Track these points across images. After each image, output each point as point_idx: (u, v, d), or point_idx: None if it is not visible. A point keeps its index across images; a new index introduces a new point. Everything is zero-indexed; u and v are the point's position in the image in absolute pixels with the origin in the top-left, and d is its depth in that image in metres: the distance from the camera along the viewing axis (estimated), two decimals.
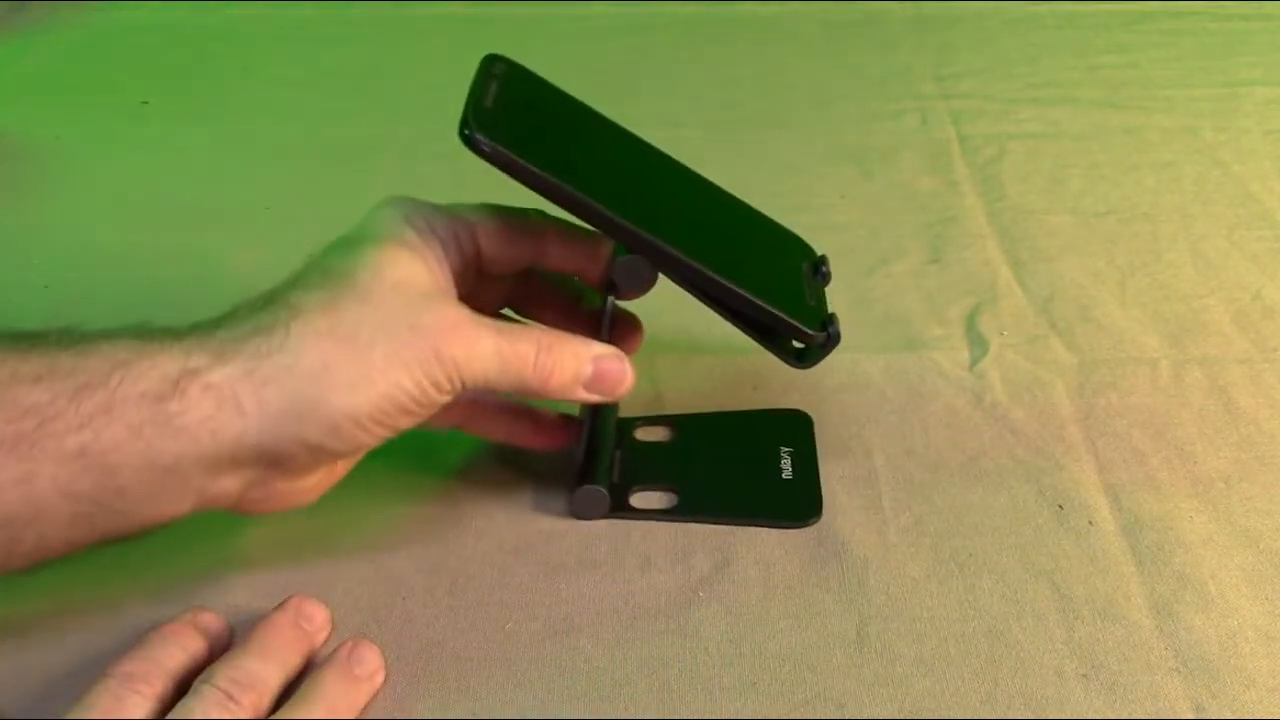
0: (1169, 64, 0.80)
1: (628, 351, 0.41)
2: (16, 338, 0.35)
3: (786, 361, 0.43)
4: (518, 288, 0.44)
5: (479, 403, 0.44)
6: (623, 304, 0.43)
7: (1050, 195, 0.65)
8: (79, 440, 0.33)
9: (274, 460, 0.36)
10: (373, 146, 0.70)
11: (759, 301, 0.40)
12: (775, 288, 0.42)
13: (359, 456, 0.39)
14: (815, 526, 0.43)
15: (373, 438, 0.37)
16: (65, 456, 0.33)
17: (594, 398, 0.40)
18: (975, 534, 0.43)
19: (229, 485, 0.36)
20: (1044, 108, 0.74)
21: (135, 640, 0.36)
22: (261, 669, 0.35)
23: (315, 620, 0.38)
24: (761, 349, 0.43)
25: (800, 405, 0.49)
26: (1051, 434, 0.48)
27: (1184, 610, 0.40)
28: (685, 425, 0.48)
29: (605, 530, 0.43)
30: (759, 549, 0.42)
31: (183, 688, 0.34)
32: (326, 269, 0.37)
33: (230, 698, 0.33)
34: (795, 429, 0.48)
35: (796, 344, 0.43)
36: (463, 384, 0.37)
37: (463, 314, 0.37)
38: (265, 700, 0.35)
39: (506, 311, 0.45)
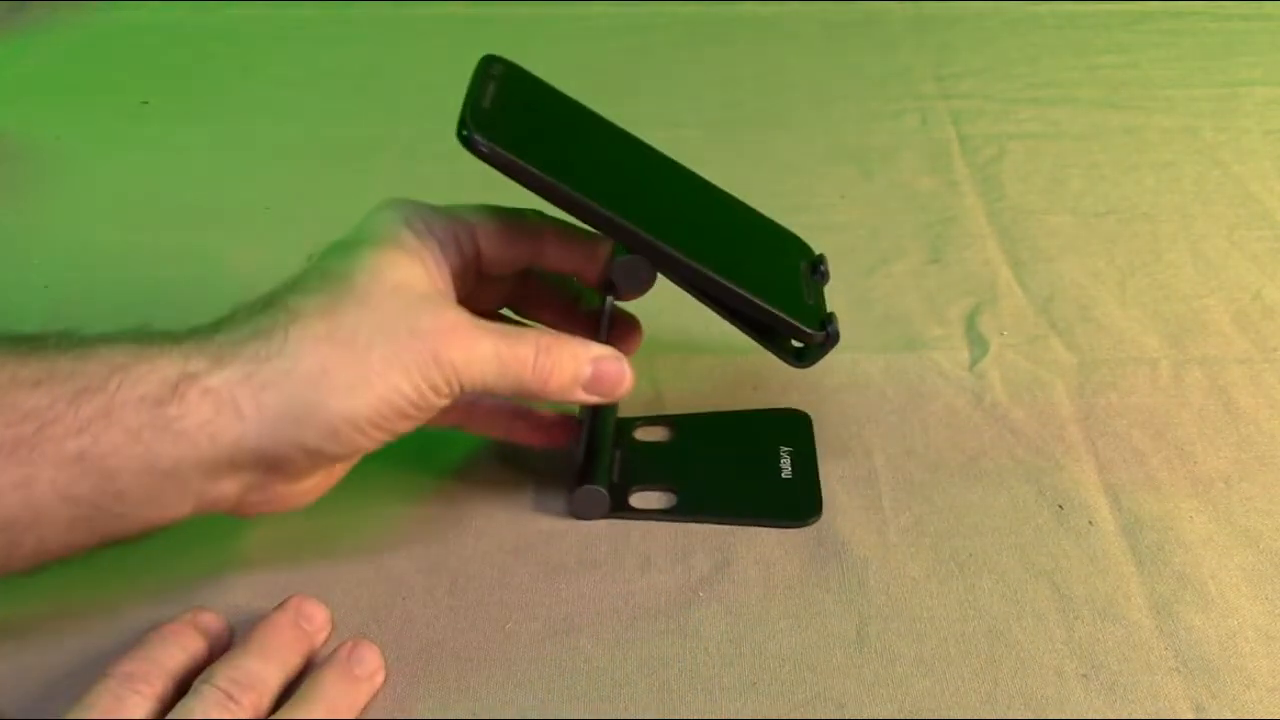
0: (1169, 64, 0.80)
1: (627, 352, 0.41)
2: (15, 341, 0.35)
3: (786, 361, 0.43)
4: (516, 288, 0.44)
5: (478, 403, 0.44)
6: (621, 304, 0.43)
7: (1050, 195, 0.65)
8: (78, 444, 0.33)
9: (272, 464, 0.36)
10: (373, 146, 0.70)
11: (758, 301, 0.40)
12: (774, 287, 0.42)
13: (357, 459, 0.39)
14: (815, 526, 0.43)
15: (371, 441, 0.37)
16: (64, 460, 0.33)
17: (593, 399, 0.40)
18: (975, 534, 0.43)
19: (228, 488, 0.36)
20: (1044, 108, 0.74)
21: (135, 640, 0.36)
22: (261, 669, 0.35)
23: (315, 620, 0.38)
24: (761, 349, 0.43)
25: (800, 405, 0.49)
26: (1051, 434, 0.48)
27: (1184, 610, 0.40)
28: (685, 425, 0.48)
29: (605, 530, 0.43)
30: (759, 549, 0.42)
31: (183, 688, 0.34)
32: (325, 272, 0.37)
33: (230, 698, 0.34)
34: (795, 429, 0.48)
35: (795, 343, 0.43)
36: (461, 387, 0.37)
37: (461, 317, 0.37)
38: (265, 700, 0.35)
39: (505, 311, 0.45)
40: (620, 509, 0.44)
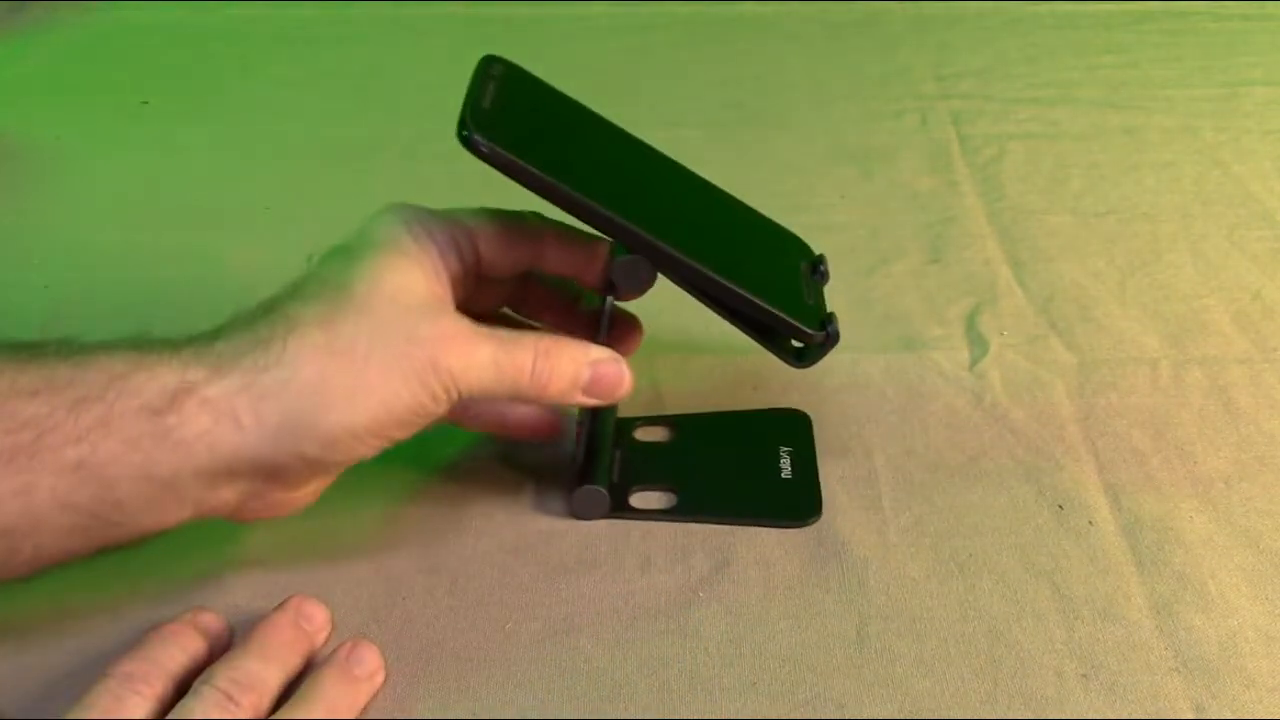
0: (1169, 64, 0.80)
1: (627, 352, 0.41)
2: (15, 348, 0.35)
3: (786, 361, 0.43)
4: (516, 290, 0.44)
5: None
6: (621, 304, 0.43)
7: (1050, 195, 0.65)
8: (77, 453, 0.33)
9: (271, 473, 0.36)
10: (373, 146, 0.70)
11: (758, 301, 0.40)
12: (774, 287, 0.42)
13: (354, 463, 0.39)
14: (815, 526, 0.43)
15: (370, 449, 0.37)
16: (63, 469, 0.33)
17: (592, 402, 0.40)
18: (975, 534, 0.43)
19: (226, 496, 0.36)
20: (1044, 108, 0.74)
21: (135, 641, 0.36)
22: (261, 669, 0.35)
23: (315, 620, 0.38)
24: (761, 349, 0.43)
25: (800, 405, 0.49)
26: (1051, 434, 0.48)
27: (1184, 610, 0.40)
28: (685, 425, 0.48)
29: (605, 530, 0.43)
30: (759, 549, 0.42)
31: (183, 688, 0.34)
32: (324, 279, 0.37)
33: (230, 698, 0.33)
34: (795, 429, 0.48)
35: (795, 343, 0.43)
36: (459, 394, 0.37)
37: (460, 324, 0.37)
38: (265, 701, 0.35)
39: (505, 311, 0.45)
40: (620, 509, 0.44)
